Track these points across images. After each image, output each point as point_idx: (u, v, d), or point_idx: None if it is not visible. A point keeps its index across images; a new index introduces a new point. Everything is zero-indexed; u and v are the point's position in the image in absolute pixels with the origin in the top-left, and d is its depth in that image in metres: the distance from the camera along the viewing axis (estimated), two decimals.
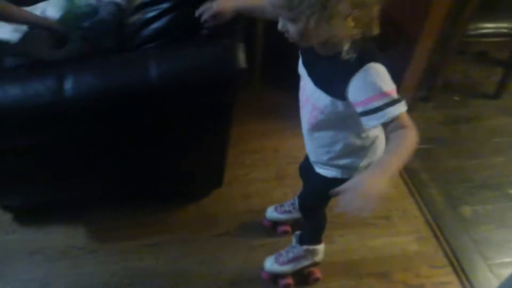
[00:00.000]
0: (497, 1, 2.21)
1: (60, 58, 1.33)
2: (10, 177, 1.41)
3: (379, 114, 0.84)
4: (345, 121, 0.97)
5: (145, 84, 1.15)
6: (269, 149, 1.99)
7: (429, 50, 1.86)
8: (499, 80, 2.34)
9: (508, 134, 2.14)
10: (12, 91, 1.12)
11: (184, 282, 1.48)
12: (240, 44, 1.17)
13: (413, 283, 1.51)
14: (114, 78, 1.18)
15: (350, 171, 1.08)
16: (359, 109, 0.86)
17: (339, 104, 0.92)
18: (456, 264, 1.57)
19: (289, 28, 0.83)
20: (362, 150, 1.06)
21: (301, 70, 1.03)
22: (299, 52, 1.02)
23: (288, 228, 1.63)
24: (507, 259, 1.59)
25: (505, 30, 2.10)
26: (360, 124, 0.89)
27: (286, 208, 1.62)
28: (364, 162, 1.08)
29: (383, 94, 0.82)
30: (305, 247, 1.44)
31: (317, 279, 1.49)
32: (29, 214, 1.64)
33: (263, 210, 1.65)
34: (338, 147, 1.05)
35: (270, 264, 1.47)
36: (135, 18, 1.28)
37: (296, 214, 1.60)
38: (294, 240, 1.48)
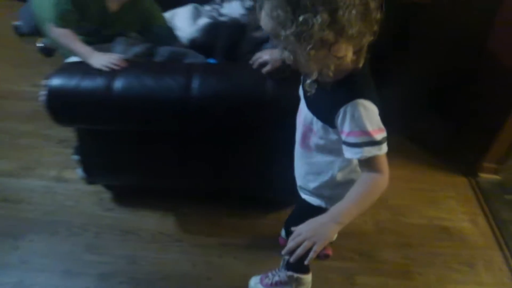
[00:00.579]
0: None
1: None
2: (116, 159, 1.57)
3: (356, 149, 0.86)
4: (336, 150, 0.95)
5: (261, 92, 1.25)
6: None
7: None
8: None
9: None
10: (148, 82, 1.27)
11: None
12: None
13: None
14: (235, 83, 1.29)
15: (335, 202, 1.04)
16: (342, 137, 0.88)
17: (330, 130, 0.93)
18: None
19: (284, 55, 0.84)
20: (349, 184, 0.99)
21: (300, 92, 1.04)
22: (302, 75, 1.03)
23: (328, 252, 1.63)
24: None
25: None
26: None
27: None
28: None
29: (365, 132, 0.84)
30: (289, 273, 1.42)
31: None
32: (127, 196, 1.80)
33: (340, 234, 1.65)
34: (326, 177, 1.05)
35: (254, 284, 1.50)
36: (258, 33, 1.39)
37: None
38: (281, 264, 1.46)
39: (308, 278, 1.45)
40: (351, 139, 0.86)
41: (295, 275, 1.42)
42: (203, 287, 1.51)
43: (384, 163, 0.88)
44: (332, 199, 0.98)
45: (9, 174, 1.85)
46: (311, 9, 0.73)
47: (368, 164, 0.88)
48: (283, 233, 1.62)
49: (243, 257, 1.60)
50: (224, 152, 1.52)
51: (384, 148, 0.87)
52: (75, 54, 1.38)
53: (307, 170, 1.11)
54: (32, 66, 2.41)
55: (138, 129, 1.39)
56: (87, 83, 1.24)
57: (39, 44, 2.53)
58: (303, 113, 1.01)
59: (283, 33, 0.77)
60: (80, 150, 1.77)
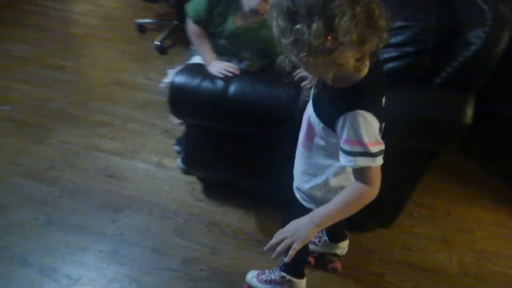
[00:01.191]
0: None
1: None
2: (214, 155, 1.68)
3: (350, 158, 0.88)
4: (334, 154, 0.95)
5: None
6: (441, 209, 1.93)
7: None
8: None
9: None
10: (260, 89, 1.36)
11: None
12: (472, 99, 1.20)
13: None
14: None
15: None
16: (340, 143, 0.90)
17: (331, 133, 0.94)
18: None
19: (285, 63, 0.85)
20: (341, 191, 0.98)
21: (312, 90, 1.05)
22: None
23: (311, 260, 1.64)
24: None
25: None
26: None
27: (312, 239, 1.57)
28: None
29: (361, 143, 0.86)
30: (282, 273, 1.45)
31: None
32: (216, 190, 1.92)
33: (423, 268, 1.62)
34: (320, 180, 1.07)
35: (251, 277, 1.55)
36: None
37: (321, 248, 1.61)
38: (278, 263, 1.49)
39: (301, 283, 1.46)
40: (346, 147, 0.88)
41: (288, 277, 1.45)
42: None
43: (375, 176, 0.89)
44: (322, 203, 0.97)
45: (117, 153, 2.08)
46: (307, 18, 0.75)
47: (360, 174, 0.90)
48: None
49: (319, 273, 1.63)
50: None
51: (379, 161, 0.88)
52: (199, 54, 1.52)
53: (304, 170, 1.13)
54: (148, 61, 2.67)
55: (245, 131, 1.48)
56: (207, 84, 1.36)
57: (156, 42, 2.81)
58: (309, 111, 1.03)
59: (283, 41, 0.80)
60: (182, 142, 1.94)
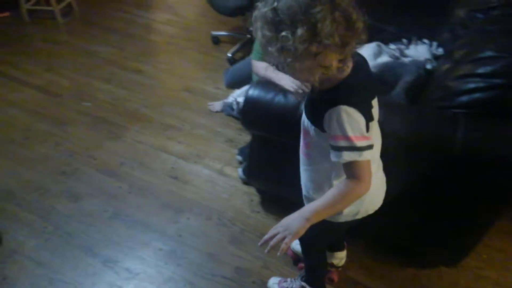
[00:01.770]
0: None
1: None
2: (277, 169, 1.67)
3: (337, 153, 0.91)
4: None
5: (448, 143, 1.22)
6: None
7: None
8: None
9: None
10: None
11: None
12: None
13: None
14: (419, 126, 1.28)
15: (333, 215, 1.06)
16: (329, 140, 0.92)
17: (322, 135, 0.96)
18: None
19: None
20: None
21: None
22: None
23: (334, 277, 1.62)
24: None
25: None
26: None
27: None
28: (350, 209, 1.07)
29: (346, 137, 0.88)
30: (302, 283, 1.48)
31: None
32: (274, 204, 1.92)
33: None
34: (325, 185, 1.06)
35: (272, 283, 1.58)
36: (452, 83, 1.36)
37: None
38: (299, 272, 1.53)
39: None
40: (333, 142, 0.91)
41: (307, 287, 1.47)
42: None
43: (364, 170, 0.91)
44: None
45: (183, 156, 2.16)
46: (291, 26, 0.80)
47: (348, 169, 0.92)
48: (293, 245, 1.66)
49: None
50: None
51: (366, 155, 0.89)
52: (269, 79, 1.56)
53: (308, 177, 1.14)
54: (219, 71, 2.76)
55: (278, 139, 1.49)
56: (280, 99, 1.38)
57: (228, 54, 2.91)
58: (303, 118, 1.07)
59: (270, 49, 0.84)
60: (245, 152, 1.97)
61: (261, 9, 0.84)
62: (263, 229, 1.81)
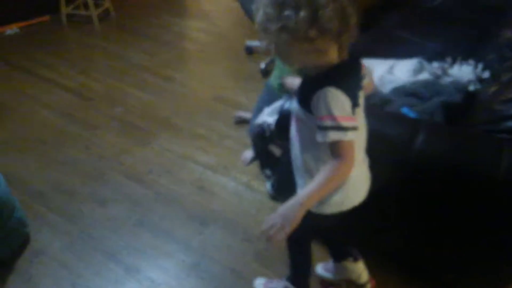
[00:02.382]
0: None
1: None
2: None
3: (323, 133, 0.94)
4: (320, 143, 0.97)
5: (492, 169, 1.15)
6: None
7: None
8: None
9: None
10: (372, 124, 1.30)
11: None
12: None
13: None
14: (462, 149, 1.22)
15: (320, 205, 1.09)
16: (316, 122, 0.95)
17: (310, 118, 0.98)
18: None
19: (270, 48, 0.94)
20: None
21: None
22: None
23: None
24: None
25: None
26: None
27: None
28: (335, 198, 1.09)
29: (332, 117, 0.92)
30: (286, 283, 1.48)
31: None
32: None
33: None
34: (315, 171, 1.04)
35: (258, 284, 1.57)
36: (499, 106, 1.29)
37: (333, 275, 1.58)
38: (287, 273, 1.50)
39: None
40: (320, 122, 0.94)
41: (290, 287, 1.47)
42: None
43: (348, 150, 0.94)
44: (324, 202, 1.08)
45: (211, 167, 2.14)
46: (294, 8, 0.85)
47: (333, 148, 0.95)
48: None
49: None
50: (423, 215, 1.44)
51: (350, 135, 0.93)
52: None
53: (299, 165, 1.15)
54: (251, 82, 2.75)
55: None
56: None
57: (261, 65, 2.89)
58: (294, 110, 1.09)
59: (271, 27, 0.88)
60: (275, 167, 1.93)
61: None
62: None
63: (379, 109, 1.52)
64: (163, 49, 3.19)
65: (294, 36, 0.87)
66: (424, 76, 1.89)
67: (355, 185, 1.12)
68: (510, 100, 1.25)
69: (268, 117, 1.66)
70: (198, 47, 3.29)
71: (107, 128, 2.37)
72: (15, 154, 2.18)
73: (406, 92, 1.75)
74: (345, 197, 1.12)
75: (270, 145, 1.74)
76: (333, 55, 0.93)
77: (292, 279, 1.48)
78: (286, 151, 1.61)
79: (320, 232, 1.46)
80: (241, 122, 2.41)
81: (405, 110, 1.60)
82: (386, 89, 1.80)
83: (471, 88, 1.74)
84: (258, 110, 1.79)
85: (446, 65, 1.91)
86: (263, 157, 1.91)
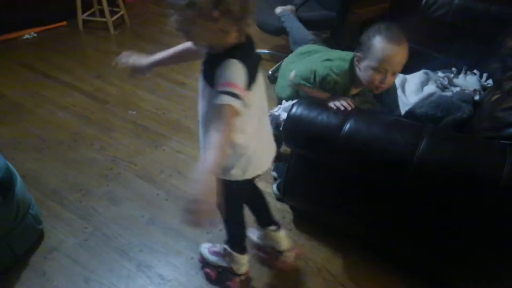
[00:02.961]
0: None
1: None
2: (313, 188, 1.70)
3: (218, 96, 1.01)
4: None
5: (494, 175, 1.19)
6: None
7: None
8: None
9: None
10: (375, 131, 1.35)
11: None
12: None
13: None
14: (465, 155, 1.26)
15: (223, 171, 1.20)
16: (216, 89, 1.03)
17: (211, 91, 1.07)
18: None
19: (177, 25, 1.01)
20: (232, 155, 1.19)
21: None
22: None
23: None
24: None
25: None
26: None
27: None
28: (235, 170, 1.22)
29: (228, 83, 1.01)
30: (224, 245, 1.56)
31: None
32: (306, 222, 1.91)
33: None
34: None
35: (203, 248, 1.68)
36: (501, 114, 1.34)
37: (261, 241, 1.72)
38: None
39: (241, 258, 1.54)
40: (217, 89, 1.01)
41: (228, 249, 1.54)
42: None
43: (231, 117, 1.00)
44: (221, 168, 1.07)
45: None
46: None
47: (222, 111, 1.00)
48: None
49: None
50: (419, 216, 1.48)
51: (239, 105, 1.00)
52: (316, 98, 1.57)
53: (204, 136, 1.22)
54: None
55: (353, 171, 1.48)
56: (323, 118, 1.40)
57: (269, 72, 2.96)
58: (200, 78, 1.17)
59: (180, 2, 0.95)
60: (281, 169, 1.99)
61: None
62: (295, 247, 1.80)
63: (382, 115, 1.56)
64: None
65: (199, 14, 0.96)
66: (430, 88, 1.89)
67: (259, 156, 1.25)
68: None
69: (283, 112, 1.70)
70: None
71: (122, 130, 2.46)
72: (32, 154, 2.26)
73: (417, 116, 1.66)
74: (247, 166, 1.24)
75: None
76: (233, 37, 1.04)
77: (226, 237, 1.56)
78: (295, 155, 1.67)
79: (241, 198, 1.49)
80: None
81: None
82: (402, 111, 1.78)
83: (477, 97, 1.78)
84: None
85: (451, 75, 1.95)
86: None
